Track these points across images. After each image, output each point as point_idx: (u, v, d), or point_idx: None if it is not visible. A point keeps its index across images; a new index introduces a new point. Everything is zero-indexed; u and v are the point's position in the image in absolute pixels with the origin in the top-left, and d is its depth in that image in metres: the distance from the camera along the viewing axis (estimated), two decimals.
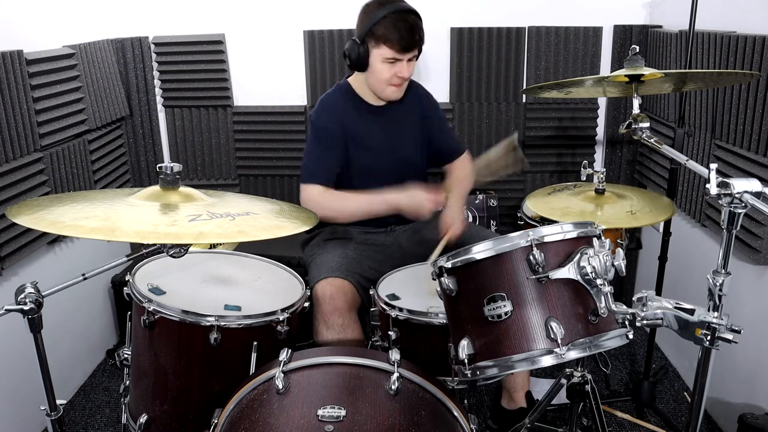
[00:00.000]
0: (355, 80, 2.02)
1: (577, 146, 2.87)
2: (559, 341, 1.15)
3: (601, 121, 2.86)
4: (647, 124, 1.55)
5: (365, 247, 2.03)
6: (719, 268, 1.14)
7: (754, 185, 1.09)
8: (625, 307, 1.19)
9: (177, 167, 1.33)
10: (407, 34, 1.82)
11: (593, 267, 1.16)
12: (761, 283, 1.90)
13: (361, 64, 1.88)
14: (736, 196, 1.09)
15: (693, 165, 1.35)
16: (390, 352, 1.32)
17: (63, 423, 1.24)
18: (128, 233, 1.12)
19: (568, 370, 1.68)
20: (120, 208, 1.23)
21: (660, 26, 2.61)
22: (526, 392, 2.02)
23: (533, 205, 1.91)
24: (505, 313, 1.20)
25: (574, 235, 1.23)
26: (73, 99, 2.32)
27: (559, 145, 2.86)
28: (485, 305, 1.22)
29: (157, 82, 2.84)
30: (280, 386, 1.24)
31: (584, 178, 1.91)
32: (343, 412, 1.16)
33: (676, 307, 1.16)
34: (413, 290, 1.76)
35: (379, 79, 1.90)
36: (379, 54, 1.85)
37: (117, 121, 2.74)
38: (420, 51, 1.92)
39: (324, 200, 1.90)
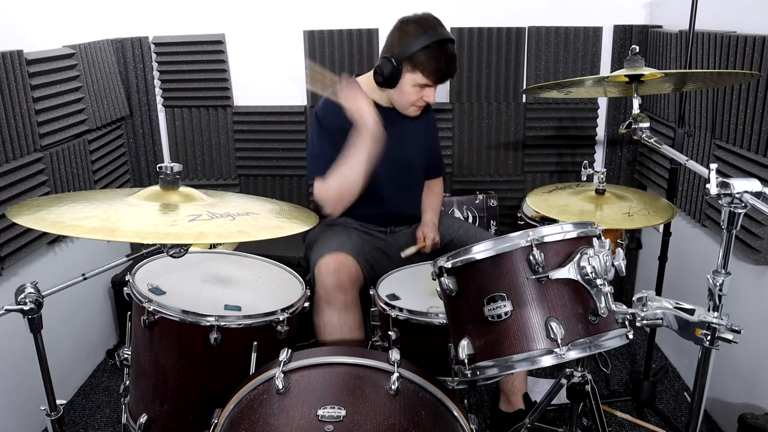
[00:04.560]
0: (366, 80, 2.01)
1: (577, 146, 2.87)
2: (559, 341, 1.15)
3: (601, 121, 2.86)
4: (647, 124, 1.55)
5: (368, 237, 2.06)
6: (719, 268, 1.14)
7: (754, 185, 1.09)
8: (625, 307, 1.19)
9: (177, 167, 1.33)
10: (446, 66, 1.84)
11: (593, 267, 1.16)
12: (761, 283, 1.90)
13: (391, 83, 1.88)
14: (736, 196, 1.09)
15: (693, 165, 1.35)
16: (390, 352, 1.32)
17: (63, 423, 1.24)
18: (128, 233, 1.12)
19: (568, 370, 1.68)
20: (120, 208, 1.23)
21: (660, 26, 2.61)
22: (523, 394, 2.02)
23: (533, 202, 1.91)
24: (505, 313, 1.20)
25: (574, 235, 1.23)
26: (73, 99, 2.32)
27: (559, 145, 2.86)
28: (485, 305, 1.22)
29: (157, 82, 2.84)
30: (280, 386, 1.24)
31: (585, 179, 1.91)
32: (343, 412, 1.16)
33: (676, 307, 1.16)
34: (413, 290, 1.76)
35: (406, 100, 1.92)
36: (413, 79, 1.86)
37: (117, 121, 2.74)
38: None
39: (327, 187, 1.86)
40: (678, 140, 1.98)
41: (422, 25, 1.84)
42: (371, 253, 1.99)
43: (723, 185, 1.10)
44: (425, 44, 1.80)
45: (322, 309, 1.77)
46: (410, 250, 2.03)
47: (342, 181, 1.85)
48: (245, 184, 2.97)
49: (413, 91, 1.88)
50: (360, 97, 1.82)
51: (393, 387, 1.23)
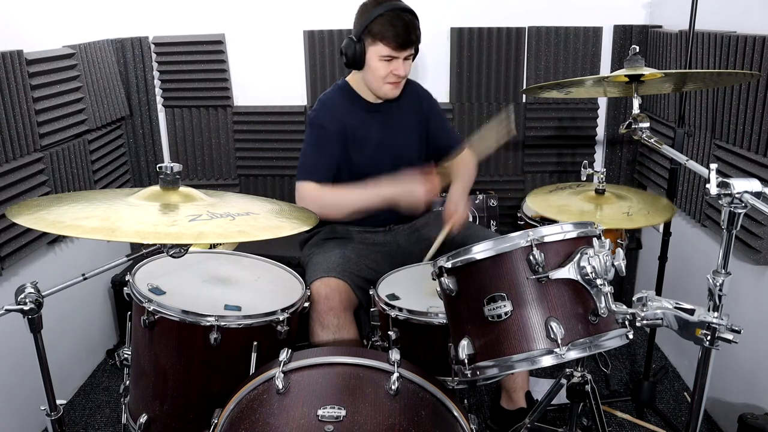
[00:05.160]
0: (354, 79, 2.03)
1: (577, 146, 2.87)
2: (559, 341, 1.15)
3: (601, 121, 2.86)
4: (647, 124, 1.55)
5: (364, 247, 2.03)
6: (719, 268, 1.14)
7: (754, 185, 1.09)
8: (625, 307, 1.19)
9: (177, 167, 1.33)
10: (403, 32, 1.84)
11: (593, 267, 1.16)
12: (761, 283, 1.90)
13: (357, 61, 1.90)
14: (736, 196, 1.09)
15: (693, 165, 1.35)
16: (390, 352, 1.32)
17: (63, 423, 1.24)
18: (128, 233, 1.12)
19: (568, 370, 1.68)
20: (120, 208, 1.23)
21: (660, 26, 2.61)
22: (525, 392, 2.02)
23: (533, 202, 1.91)
24: (505, 313, 1.20)
25: (574, 235, 1.23)
26: (73, 99, 2.32)
27: (559, 145, 2.86)
28: (485, 305, 1.22)
29: (157, 82, 2.84)
30: (280, 386, 1.24)
31: (584, 178, 1.91)
32: (343, 412, 1.16)
33: (676, 307, 1.16)
34: (413, 290, 1.76)
35: (376, 76, 1.91)
36: (375, 51, 1.87)
37: (117, 121, 2.74)
38: (417, 50, 1.93)
39: (318, 197, 1.89)
40: (678, 140, 1.98)
41: (378, 0, 1.86)
42: (368, 265, 1.96)
43: (723, 185, 1.10)
44: (380, 13, 1.82)
45: (317, 333, 1.77)
46: (433, 248, 1.92)
47: (335, 208, 1.90)
48: (245, 184, 2.97)
49: (381, 66, 1.88)
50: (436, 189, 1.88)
51: (393, 387, 1.23)
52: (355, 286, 1.85)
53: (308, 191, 1.91)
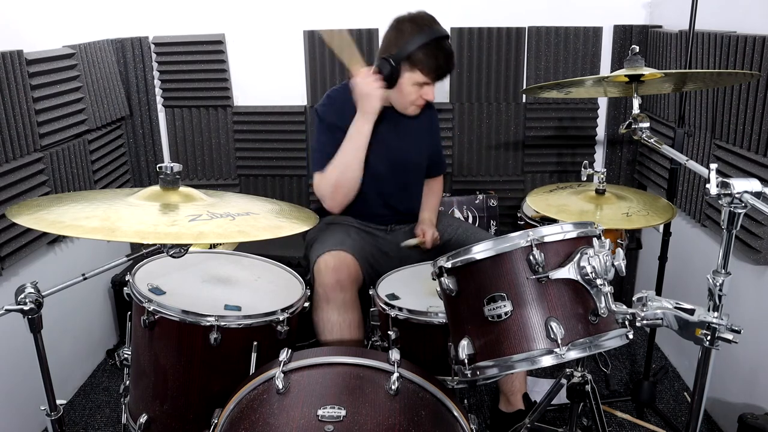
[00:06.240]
0: None
1: (577, 146, 2.87)
2: (559, 341, 1.15)
3: (601, 121, 2.86)
4: (647, 124, 1.55)
5: (366, 235, 2.06)
6: (719, 268, 1.14)
7: (754, 185, 1.09)
8: (625, 307, 1.19)
9: (177, 167, 1.33)
10: (444, 64, 1.84)
11: (593, 267, 1.16)
12: (761, 283, 1.90)
13: (390, 83, 1.87)
14: (736, 196, 1.09)
15: (693, 165, 1.35)
16: (390, 352, 1.32)
17: (63, 423, 1.24)
18: (128, 233, 1.12)
19: (568, 370, 1.68)
20: (120, 208, 1.23)
21: (660, 26, 2.62)
22: (523, 394, 2.02)
23: (533, 201, 1.91)
24: (505, 313, 1.20)
25: (574, 235, 1.23)
26: (73, 99, 2.32)
27: (559, 145, 2.86)
28: (485, 305, 1.22)
29: (157, 82, 2.84)
30: (280, 386, 1.24)
31: (584, 178, 1.91)
32: (343, 412, 1.16)
33: (676, 307, 1.16)
34: (413, 290, 1.76)
35: (406, 100, 1.91)
36: (411, 78, 1.85)
37: (117, 121, 2.74)
38: None
39: (325, 180, 1.90)
40: (678, 140, 1.98)
41: (418, 23, 1.84)
42: (371, 252, 1.99)
43: (723, 185, 1.10)
44: (423, 42, 1.80)
45: (321, 307, 1.77)
46: (410, 242, 2.04)
47: (340, 170, 1.87)
48: (245, 184, 2.97)
49: (413, 90, 1.88)
50: (372, 76, 1.83)
51: (393, 387, 1.23)
52: (362, 261, 1.85)
53: (316, 182, 1.93)
